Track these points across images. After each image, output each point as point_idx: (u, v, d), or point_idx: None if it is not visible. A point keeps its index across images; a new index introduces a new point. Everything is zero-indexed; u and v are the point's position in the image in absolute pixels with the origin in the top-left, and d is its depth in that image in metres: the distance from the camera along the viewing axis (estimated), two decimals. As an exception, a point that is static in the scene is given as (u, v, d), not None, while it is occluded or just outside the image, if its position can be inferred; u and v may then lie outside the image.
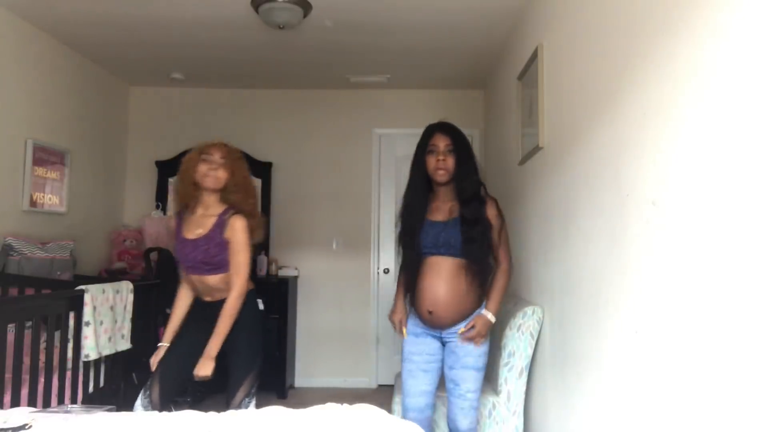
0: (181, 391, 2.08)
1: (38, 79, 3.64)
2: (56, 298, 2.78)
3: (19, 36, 3.44)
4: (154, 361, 2.40)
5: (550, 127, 2.67)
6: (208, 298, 2.42)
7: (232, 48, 3.89)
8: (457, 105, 4.86)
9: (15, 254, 3.23)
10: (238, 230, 2.33)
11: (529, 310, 2.68)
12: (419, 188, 2.33)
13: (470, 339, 2.22)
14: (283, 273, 4.69)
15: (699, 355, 1.31)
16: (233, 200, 2.40)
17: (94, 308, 2.84)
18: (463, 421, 2.28)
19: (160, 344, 2.45)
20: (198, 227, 2.38)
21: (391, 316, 2.44)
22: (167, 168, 4.83)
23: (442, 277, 2.21)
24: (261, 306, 2.57)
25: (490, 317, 2.24)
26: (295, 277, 4.76)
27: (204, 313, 2.40)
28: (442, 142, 2.27)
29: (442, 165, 2.25)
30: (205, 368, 2.27)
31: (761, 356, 1.09)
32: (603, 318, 1.93)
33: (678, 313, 1.41)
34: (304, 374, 4.76)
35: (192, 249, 2.35)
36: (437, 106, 4.88)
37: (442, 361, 2.33)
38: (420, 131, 5.20)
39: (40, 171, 3.63)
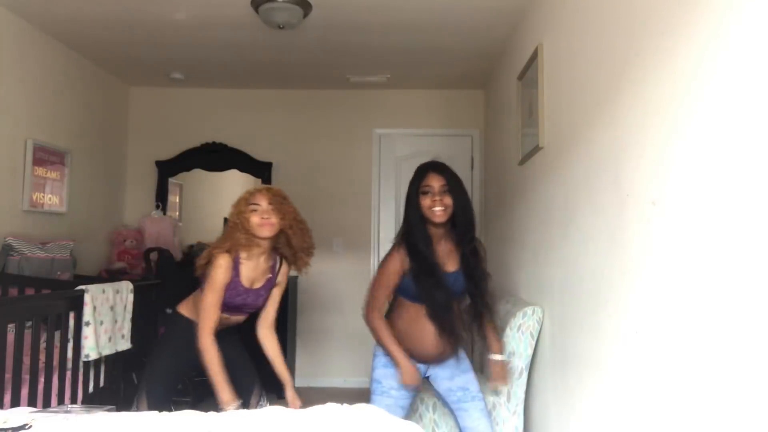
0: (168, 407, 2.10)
1: (38, 79, 3.64)
2: (56, 298, 2.78)
3: (19, 36, 3.44)
4: (229, 403, 2.17)
5: (550, 127, 2.67)
6: (219, 328, 2.43)
7: (232, 48, 3.89)
8: (457, 105, 4.87)
9: (15, 254, 3.23)
10: (287, 275, 2.51)
11: (529, 310, 2.68)
12: (421, 230, 2.23)
13: (502, 381, 2.48)
14: (283, 273, 4.68)
15: (699, 355, 1.31)
16: (293, 243, 2.39)
17: (94, 308, 2.84)
18: (489, 426, 2.34)
19: (232, 407, 2.15)
20: (260, 275, 2.40)
21: (407, 380, 2.22)
22: (167, 168, 4.84)
23: (457, 319, 2.27)
24: None
25: (504, 359, 2.46)
26: (295, 277, 4.76)
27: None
28: (437, 183, 2.20)
29: (439, 204, 2.17)
30: (298, 399, 2.43)
31: (761, 356, 1.09)
32: (603, 318, 1.93)
33: (678, 314, 1.41)
34: (304, 374, 4.76)
35: (254, 298, 2.40)
36: (437, 106, 4.88)
37: (414, 395, 2.40)
38: (420, 131, 5.18)
39: (40, 171, 3.62)
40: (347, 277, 4.81)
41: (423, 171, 2.25)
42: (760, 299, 1.09)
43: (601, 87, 1.99)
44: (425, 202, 2.19)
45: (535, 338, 2.68)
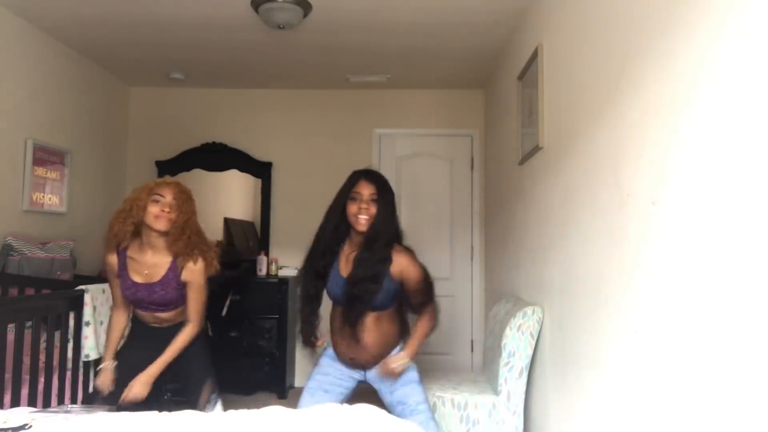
0: (131, 409, 2.06)
1: (38, 79, 3.64)
2: (56, 298, 2.78)
3: (19, 36, 3.44)
4: (104, 383, 2.30)
5: (550, 127, 2.67)
6: (155, 325, 2.41)
7: (232, 48, 3.89)
8: (457, 105, 4.86)
9: (15, 254, 3.23)
10: (196, 273, 2.32)
11: (529, 310, 2.68)
12: (333, 233, 2.22)
13: (388, 373, 2.17)
14: (283, 273, 4.68)
15: (699, 355, 1.31)
16: (180, 242, 2.29)
17: (94, 308, 2.84)
18: None
19: (102, 366, 2.36)
20: (149, 270, 2.31)
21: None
22: (167, 168, 4.83)
23: (358, 328, 2.16)
24: (210, 331, 2.62)
25: (404, 361, 2.15)
26: (296, 277, 4.75)
27: (151, 334, 2.38)
28: (366, 191, 2.15)
29: (365, 213, 2.13)
30: (141, 388, 2.22)
31: (761, 356, 1.09)
32: (603, 318, 1.93)
33: (678, 314, 1.41)
34: (304, 374, 4.74)
35: (147, 293, 2.31)
36: (437, 106, 4.88)
37: (349, 392, 2.30)
38: (420, 131, 5.18)
39: (40, 171, 3.63)
40: (347, 277, 4.80)
41: (356, 177, 2.21)
42: (760, 299, 1.09)
43: (601, 87, 1.99)
44: (351, 208, 2.15)
45: (535, 338, 2.68)
